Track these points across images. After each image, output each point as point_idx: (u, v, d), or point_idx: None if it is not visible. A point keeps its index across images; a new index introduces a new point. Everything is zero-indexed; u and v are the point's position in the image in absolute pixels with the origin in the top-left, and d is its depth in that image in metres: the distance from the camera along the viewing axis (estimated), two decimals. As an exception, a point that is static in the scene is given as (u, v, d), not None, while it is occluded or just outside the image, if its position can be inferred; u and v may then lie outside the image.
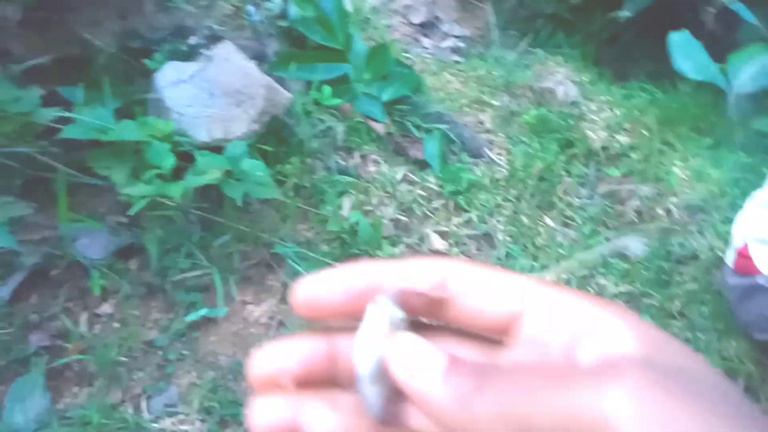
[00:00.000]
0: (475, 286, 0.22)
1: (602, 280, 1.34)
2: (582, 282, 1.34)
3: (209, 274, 1.17)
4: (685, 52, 1.52)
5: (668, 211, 1.36)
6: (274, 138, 1.29)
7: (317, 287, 0.23)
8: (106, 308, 1.08)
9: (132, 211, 1.00)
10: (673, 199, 1.36)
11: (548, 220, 1.44)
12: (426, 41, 1.81)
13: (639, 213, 1.40)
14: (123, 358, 1.04)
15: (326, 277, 0.23)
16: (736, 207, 1.23)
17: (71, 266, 1.10)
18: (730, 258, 1.13)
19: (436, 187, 1.45)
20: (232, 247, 1.20)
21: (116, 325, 1.07)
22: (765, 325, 1.05)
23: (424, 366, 0.20)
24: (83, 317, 1.09)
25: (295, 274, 1.25)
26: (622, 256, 1.34)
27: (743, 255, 1.08)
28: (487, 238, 1.42)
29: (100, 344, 1.03)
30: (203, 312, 1.14)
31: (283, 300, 1.24)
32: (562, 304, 0.21)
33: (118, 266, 1.10)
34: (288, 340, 0.23)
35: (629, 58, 1.82)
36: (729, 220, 1.25)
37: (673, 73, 1.58)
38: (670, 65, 1.57)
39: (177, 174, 1.08)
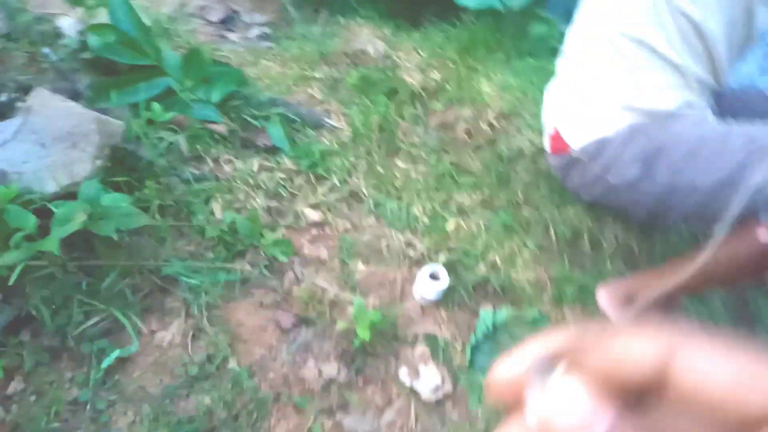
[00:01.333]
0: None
1: (458, 197, 1.54)
2: (444, 203, 1.53)
3: (107, 317, 1.17)
4: (461, -14, 1.75)
5: (490, 124, 1.59)
6: (123, 167, 1.29)
7: (512, 370, 0.23)
8: (15, 386, 1.04)
9: (11, 281, 0.97)
10: (490, 113, 1.59)
11: (399, 163, 1.61)
12: (233, 36, 1.86)
13: (468, 132, 1.61)
14: (55, 425, 1.02)
15: (520, 357, 0.23)
16: (539, 103, 1.48)
17: (-44, 362, 1.04)
18: (546, 144, 1.38)
19: (293, 166, 1.54)
20: (120, 284, 1.20)
21: (33, 398, 1.04)
22: (586, 187, 1.31)
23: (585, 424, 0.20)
24: (-10, 406, 1.04)
25: (191, 289, 1.28)
26: (466, 172, 1.55)
27: (555, 138, 1.33)
28: (354, 195, 1.55)
29: (26, 420, 1.01)
30: (115, 354, 1.14)
31: (189, 315, 1.27)
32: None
33: (12, 341, 1.06)
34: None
35: (418, 4, 2.03)
36: (537, 115, 1.51)
37: (457, 8, 1.81)
38: (453, 2, 1.79)
39: (42, 232, 1.06)
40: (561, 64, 1.33)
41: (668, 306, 1.30)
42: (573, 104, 1.27)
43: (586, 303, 1.41)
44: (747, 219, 1.07)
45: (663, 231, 1.50)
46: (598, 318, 1.39)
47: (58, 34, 1.41)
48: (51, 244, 1.03)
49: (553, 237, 1.46)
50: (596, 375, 0.21)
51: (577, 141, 1.25)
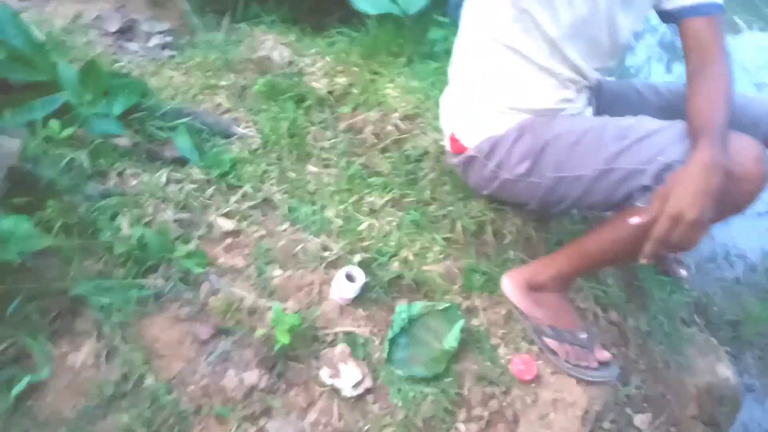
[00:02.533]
0: None
1: (369, 198, 1.60)
2: (356, 205, 1.59)
3: (14, 343, 1.14)
4: (360, -7, 1.82)
5: (396, 126, 1.67)
6: (22, 188, 1.26)
7: None
8: None
9: None
10: (395, 115, 1.67)
11: (311, 167, 1.65)
12: (132, 45, 1.83)
13: (376, 135, 1.68)
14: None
15: None
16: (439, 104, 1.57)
17: None
18: (447, 144, 1.47)
19: (203, 176, 1.55)
20: (27, 308, 1.17)
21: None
22: (484, 183, 1.42)
23: None
24: None
25: (102, 308, 1.27)
26: (376, 173, 1.62)
27: (453, 139, 1.42)
28: (267, 202, 1.58)
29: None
30: (26, 380, 1.11)
31: (101, 335, 1.26)
32: None
33: None
34: None
35: (322, 11, 2.08)
36: (439, 116, 1.60)
37: (361, 14, 1.88)
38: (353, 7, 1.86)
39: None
40: (450, 71, 1.43)
41: (565, 287, 1.43)
42: (465, 108, 1.37)
43: (492, 291, 1.52)
44: (625, 204, 1.21)
45: (557, 218, 1.64)
46: (505, 303, 1.50)
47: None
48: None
49: (460, 230, 1.55)
50: None
51: (471, 141, 1.35)
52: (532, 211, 1.55)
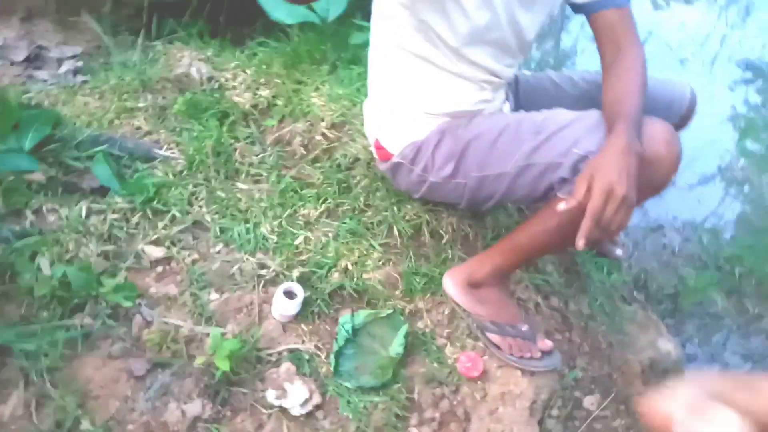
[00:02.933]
0: None
1: (303, 210, 1.58)
2: (290, 219, 1.57)
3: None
4: (274, 2, 1.79)
5: (324, 135, 1.65)
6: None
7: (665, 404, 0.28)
8: None
9: None
10: (323, 124, 1.65)
11: (241, 185, 1.62)
12: (42, 74, 1.75)
13: (304, 146, 1.66)
14: None
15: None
16: (365, 110, 1.56)
17: None
18: (374, 151, 1.47)
19: (126, 205, 1.50)
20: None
21: None
22: (413, 187, 1.43)
23: None
24: None
25: (27, 355, 1.21)
26: (308, 185, 1.60)
27: (378, 146, 1.42)
28: (198, 225, 1.54)
29: None
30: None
31: (29, 383, 1.20)
32: None
33: None
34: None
35: (241, 23, 2.04)
36: (366, 122, 1.59)
37: (277, 23, 1.85)
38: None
39: None
40: (369, 79, 1.42)
41: (503, 281, 1.45)
42: (386, 115, 1.37)
43: (434, 292, 1.52)
44: (549, 197, 1.23)
45: (492, 214, 1.66)
46: (447, 303, 1.51)
47: None
48: None
49: (397, 235, 1.55)
50: (757, 420, 0.24)
51: (395, 148, 1.35)
52: (466, 209, 1.56)
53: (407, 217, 1.57)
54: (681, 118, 1.49)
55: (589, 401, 1.65)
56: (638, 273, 2.34)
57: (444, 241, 1.58)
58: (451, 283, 1.45)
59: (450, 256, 1.57)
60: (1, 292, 1.26)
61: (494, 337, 1.41)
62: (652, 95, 1.25)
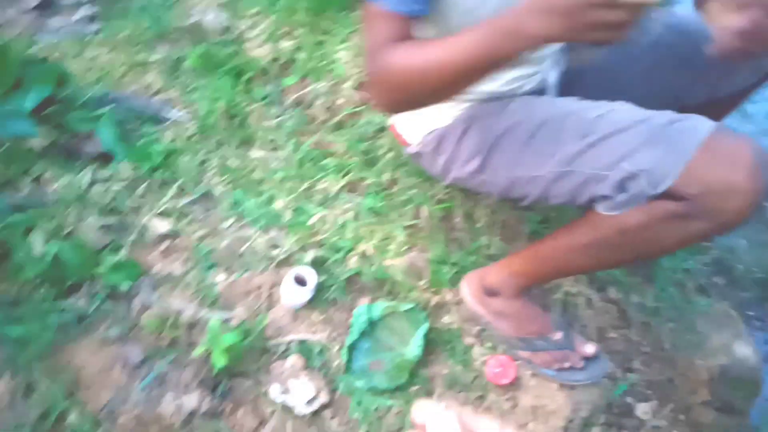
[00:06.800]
0: None
1: (322, 184, 1.43)
2: (307, 193, 1.43)
3: None
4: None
5: (348, 98, 1.47)
6: None
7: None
8: None
9: None
10: (348, 84, 1.47)
11: (256, 152, 1.49)
12: (54, 22, 1.65)
13: (327, 109, 1.49)
14: None
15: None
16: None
17: None
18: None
19: (132, 173, 1.41)
20: None
21: None
22: (439, 175, 1.22)
23: None
24: None
25: (16, 341, 1.16)
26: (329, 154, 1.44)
27: (394, 131, 1.22)
28: (207, 196, 1.44)
29: None
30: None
31: (15, 371, 1.16)
32: None
33: None
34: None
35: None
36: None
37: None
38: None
39: None
40: None
41: (526, 291, 1.24)
42: None
43: (464, 284, 1.35)
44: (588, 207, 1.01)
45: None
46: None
47: None
48: None
49: (426, 217, 1.38)
50: None
51: (414, 136, 1.15)
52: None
53: (437, 197, 1.39)
54: None
55: (643, 409, 1.47)
56: (722, 254, 2.03)
57: (479, 226, 1.39)
58: (468, 289, 1.28)
59: (486, 244, 1.38)
60: (-7, 271, 1.21)
61: (525, 354, 1.24)
62: None
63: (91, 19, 1.68)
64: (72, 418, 1.14)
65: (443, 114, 1.12)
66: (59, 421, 1.13)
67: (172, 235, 1.38)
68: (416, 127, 1.16)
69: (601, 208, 0.95)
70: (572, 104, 1.02)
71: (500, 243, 1.39)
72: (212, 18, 1.57)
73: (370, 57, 0.90)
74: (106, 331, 1.24)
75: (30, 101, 1.39)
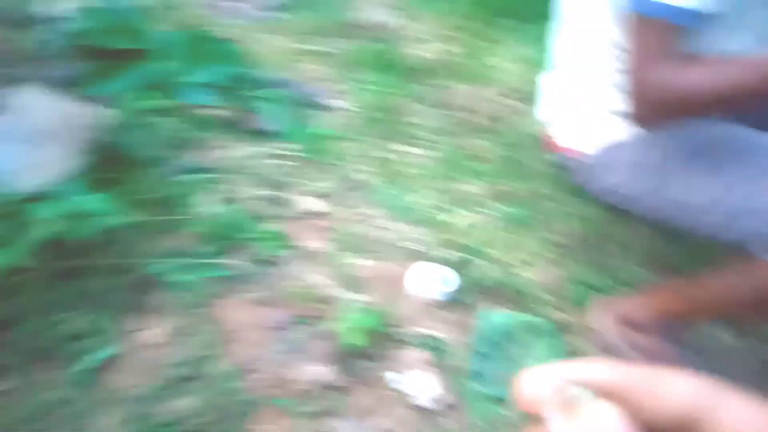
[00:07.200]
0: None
1: (472, 188, 1.44)
2: (454, 194, 1.45)
3: (88, 318, 1.19)
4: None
5: (504, 104, 1.47)
6: (108, 161, 1.29)
7: (536, 384, 0.26)
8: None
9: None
10: (504, 90, 1.47)
11: (407, 148, 1.53)
12: (245, 6, 1.80)
13: (480, 112, 1.50)
14: (36, 425, 1.06)
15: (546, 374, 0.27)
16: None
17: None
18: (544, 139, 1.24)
19: (291, 152, 1.50)
20: (101, 284, 1.21)
21: (11, 399, 1.09)
22: (601, 187, 1.16)
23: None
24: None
25: (177, 287, 1.28)
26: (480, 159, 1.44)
27: (553, 142, 1.20)
28: (357, 183, 1.50)
29: (5, 421, 1.05)
30: (97, 355, 1.16)
31: (174, 314, 1.27)
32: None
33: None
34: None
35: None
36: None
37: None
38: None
39: (18, 234, 1.08)
40: (556, 56, 1.17)
41: (671, 328, 1.17)
42: (572, 104, 1.12)
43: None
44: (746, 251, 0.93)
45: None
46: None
47: (49, 19, 1.40)
48: (24, 249, 1.04)
49: (572, 234, 1.35)
50: (630, 408, 0.24)
51: (587, 145, 1.11)
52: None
53: (588, 216, 1.35)
54: None
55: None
56: None
57: (621, 250, 1.33)
58: (604, 317, 1.22)
59: (625, 269, 1.32)
60: (163, 222, 1.34)
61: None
62: None
63: (280, 8, 1.82)
64: (218, 365, 1.24)
65: (620, 127, 1.08)
66: (206, 365, 1.23)
67: (322, 214, 1.46)
68: (590, 137, 1.13)
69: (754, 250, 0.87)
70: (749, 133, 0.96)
71: (640, 270, 1.32)
72: (388, 18, 1.64)
73: (641, 70, 0.86)
74: (253, 292, 1.34)
75: (213, 76, 1.54)
